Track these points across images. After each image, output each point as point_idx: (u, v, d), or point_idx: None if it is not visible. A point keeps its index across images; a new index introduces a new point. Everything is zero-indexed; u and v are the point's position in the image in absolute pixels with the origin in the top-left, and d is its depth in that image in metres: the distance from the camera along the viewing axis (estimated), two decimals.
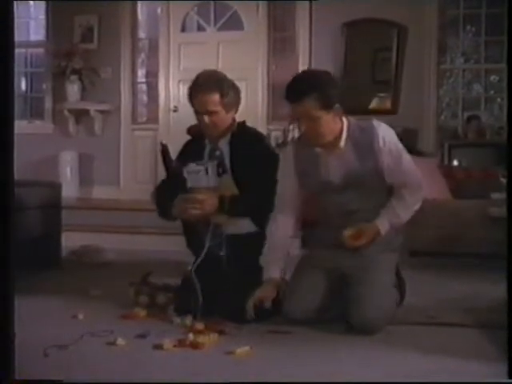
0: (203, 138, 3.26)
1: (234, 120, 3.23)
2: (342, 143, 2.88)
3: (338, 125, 2.87)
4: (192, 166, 3.05)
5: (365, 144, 2.87)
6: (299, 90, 2.76)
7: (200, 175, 3.01)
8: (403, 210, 2.93)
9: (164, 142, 3.14)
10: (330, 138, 2.86)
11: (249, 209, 3.09)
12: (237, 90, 3.20)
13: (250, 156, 3.14)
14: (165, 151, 3.04)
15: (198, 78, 3.17)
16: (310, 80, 2.80)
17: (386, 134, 2.88)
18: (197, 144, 3.28)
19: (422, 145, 6.21)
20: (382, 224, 2.89)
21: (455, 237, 4.53)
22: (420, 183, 2.98)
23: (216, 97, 3.09)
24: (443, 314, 3.12)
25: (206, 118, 3.11)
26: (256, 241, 3.04)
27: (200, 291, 2.97)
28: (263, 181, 3.06)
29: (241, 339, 2.68)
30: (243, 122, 3.29)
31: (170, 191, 3.14)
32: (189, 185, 3.05)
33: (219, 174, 3.09)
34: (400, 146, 2.93)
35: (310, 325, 2.87)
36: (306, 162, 2.96)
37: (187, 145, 3.38)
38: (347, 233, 2.85)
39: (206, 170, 3.00)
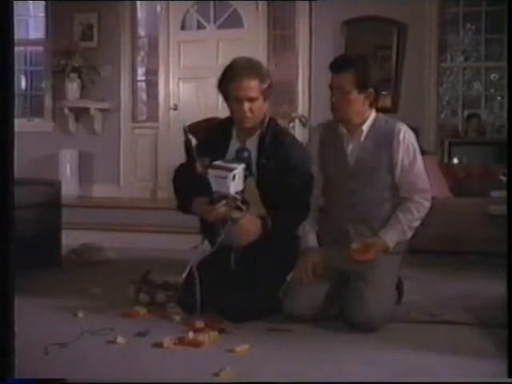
0: (229, 130, 3.14)
1: (265, 114, 3.12)
2: (365, 128, 2.98)
3: (366, 111, 2.99)
4: (218, 171, 2.84)
5: (385, 135, 2.96)
6: (341, 63, 2.97)
7: (227, 181, 2.81)
8: (408, 228, 2.96)
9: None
10: (356, 120, 2.97)
11: (283, 233, 3.02)
12: (271, 79, 3.10)
13: (281, 163, 3.01)
14: (189, 143, 2.94)
15: (235, 62, 3.06)
16: (353, 58, 3.03)
17: (407, 132, 2.99)
18: (222, 136, 3.14)
19: (423, 143, 6.13)
20: (391, 239, 2.92)
21: (455, 235, 4.53)
22: (427, 194, 2.99)
23: (256, 82, 3.01)
24: (444, 312, 3.12)
25: (246, 105, 3.00)
26: (272, 242, 2.98)
27: (198, 287, 2.91)
28: (294, 195, 2.99)
29: (241, 337, 2.68)
30: (274, 119, 3.17)
31: (190, 184, 2.99)
32: (213, 188, 2.85)
33: (245, 178, 2.94)
34: (418, 149, 3.01)
35: (311, 323, 2.87)
36: (329, 143, 3.06)
37: (211, 133, 3.21)
38: (354, 247, 2.86)
39: (234, 176, 2.82)
